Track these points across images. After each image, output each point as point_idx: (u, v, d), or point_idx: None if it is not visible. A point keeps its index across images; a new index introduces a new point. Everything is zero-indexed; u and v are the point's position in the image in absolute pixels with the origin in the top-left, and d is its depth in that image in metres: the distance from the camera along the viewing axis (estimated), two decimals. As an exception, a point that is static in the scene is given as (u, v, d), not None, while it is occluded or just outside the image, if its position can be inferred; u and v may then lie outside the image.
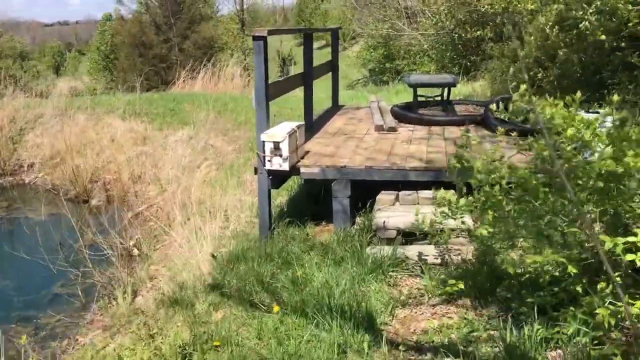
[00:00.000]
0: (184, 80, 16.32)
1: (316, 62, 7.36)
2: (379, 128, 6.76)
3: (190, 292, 4.90)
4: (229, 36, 25.85)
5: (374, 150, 5.80)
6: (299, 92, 7.20)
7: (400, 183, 5.25)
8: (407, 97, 14.14)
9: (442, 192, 3.68)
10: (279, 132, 5.14)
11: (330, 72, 8.42)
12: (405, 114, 7.20)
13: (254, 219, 6.30)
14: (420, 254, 4.34)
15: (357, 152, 5.75)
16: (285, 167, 5.12)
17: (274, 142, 5.07)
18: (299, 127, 5.43)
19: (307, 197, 6.37)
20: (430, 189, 5.19)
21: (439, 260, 4.28)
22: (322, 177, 5.29)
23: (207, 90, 15.34)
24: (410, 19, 17.36)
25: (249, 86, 15.78)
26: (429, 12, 15.26)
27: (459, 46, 14.01)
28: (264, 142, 5.10)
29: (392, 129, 6.67)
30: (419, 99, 7.71)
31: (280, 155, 5.09)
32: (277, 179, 5.41)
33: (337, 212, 5.23)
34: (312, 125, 7.05)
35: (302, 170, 5.29)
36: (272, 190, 5.51)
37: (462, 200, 3.53)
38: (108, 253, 7.17)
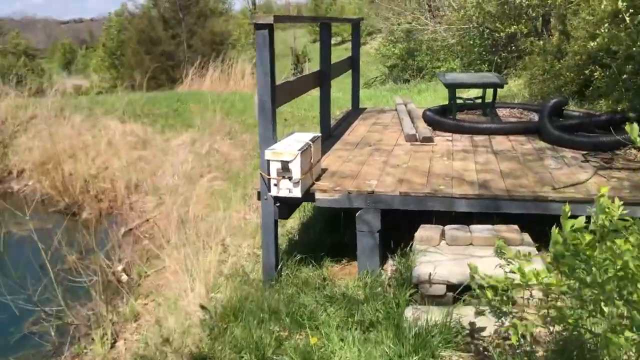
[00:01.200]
0: (191, 79, 15.14)
1: (333, 60, 6.15)
2: (411, 138, 5.53)
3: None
4: (241, 32, 24.66)
5: (408, 168, 4.57)
6: (315, 91, 5.95)
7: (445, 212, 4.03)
8: (431, 96, 12.88)
9: (510, 250, 2.48)
10: (289, 148, 3.94)
11: (350, 70, 7.19)
12: (441, 120, 5.95)
13: (257, 250, 5.12)
14: (477, 330, 3.10)
15: (387, 170, 4.52)
16: (297, 193, 3.91)
17: (281, 161, 3.86)
18: (314, 140, 4.22)
19: (323, 222, 5.16)
20: (483, 221, 3.97)
21: (506, 335, 3.05)
22: (344, 206, 4.08)
23: (216, 89, 14.17)
24: (433, 12, 16.05)
25: (260, 84, 14.54)
26: (455, 5, 13.94)
27: (489, 41, 12.68)
28: (268, 161, 3.90)
29: (428, 139, 5.43)
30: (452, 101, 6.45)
31: (290, 178, 3.88)
32: (286, 206, 4.21)
33: (362, 251, 4.02)
34: (330, 134, 5.83)
35: (318, 196, 4.08)
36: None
37: (542, 270, 2.36)
38: (92, 278, 6.03)
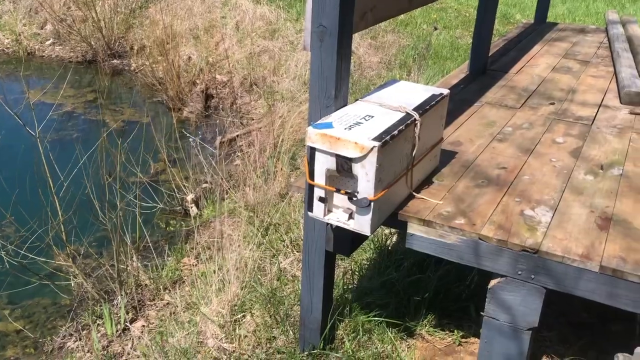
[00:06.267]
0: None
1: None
2: (633, 99, 2.93)
3: None
4: None
5: (625, 179, 2.12)
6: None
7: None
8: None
9: None
10: (360, 129, 1.72)
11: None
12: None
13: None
14: None
15: (576, 178, 2.13)
16: (361, 226, 1.75)
17: (338, 156, 1.68)
18: (425, 107, 1.93)
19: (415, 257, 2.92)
20: None
21: None
22: (467, 263, 1.84)
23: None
24: None
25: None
26: None
27: None
28: (313, 150, 1.74)
29: (666, 108, 2.80)
30: None
31: (353, 195, 1.71)
32: (349, 236, 2.04)
33: (488, 355, 1.83)
34: (485, 68, 3.38)
35: (413, 231, 1.87)
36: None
37: None
38: (156, 206, 4.50)
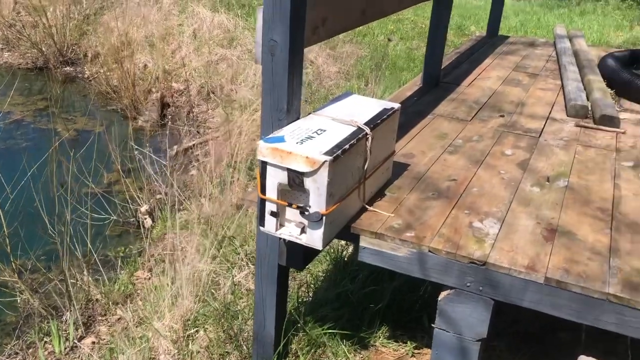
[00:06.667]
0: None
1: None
2: (578, 112, 3.02)
3: None
4: None
5: (570, 191, 2.18)
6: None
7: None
8: (598, 22, 9.53)
9: None
10: (312, 143, 1.72)
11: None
12: (637, 81, 3.31)
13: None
14: None
15: (524, 190, 2.17)
16: (313, 240, 1.74)
17: (290, 170, 1.67)
18: (377, 121, 1.94)
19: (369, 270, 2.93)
20: None
21: None
22: (416, 275, 1.86)
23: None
24: None
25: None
26: None
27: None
28: (265, 164, 1.72)
29: (608, 121, 2.90)
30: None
31: (304, 209, 1.71)
32: (301, 249, 2.03)
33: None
34: (438, 80, 3.44)
35: (366, 244, 1.88)
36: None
37: None
38: (109, 218, 4.39)
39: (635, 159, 2.54)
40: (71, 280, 3.44)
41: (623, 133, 2.82)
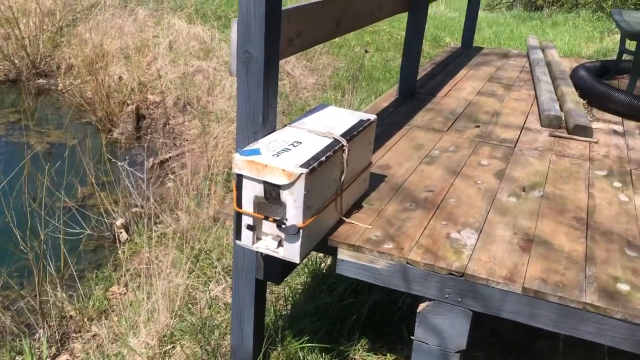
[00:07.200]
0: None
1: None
2: (552, 122, 3.06)
3: None
4: None
5: (546, 200, 2.20)
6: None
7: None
8: (569, 34, 9.72)
9: None
10: (288, 155, 1.70)
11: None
12: (608, 92, 3.37)
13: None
14: None
15: (500, 200, 2.19)
16: (290, 253, 1.72)
17: (266, 183, 1.66)
18: (357, 130, 1.94)
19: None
20: None
21: None
22: (396, 287, 1.85)
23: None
24: None
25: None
26: None
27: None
28: (240, 177, 1.70)
29: (582, 131, 2.94)
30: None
31: (281, 223, 1.69)
32: (279, 262, 2.01)
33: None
34: (414, 91, 3.46)
35: (344, 256, 1.87)
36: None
37: None
38: (84, 232, 4.29)
39: (608, 168, 2.58)
40: (44, 297, 3.36)
41: (596, 142, 2.87)
